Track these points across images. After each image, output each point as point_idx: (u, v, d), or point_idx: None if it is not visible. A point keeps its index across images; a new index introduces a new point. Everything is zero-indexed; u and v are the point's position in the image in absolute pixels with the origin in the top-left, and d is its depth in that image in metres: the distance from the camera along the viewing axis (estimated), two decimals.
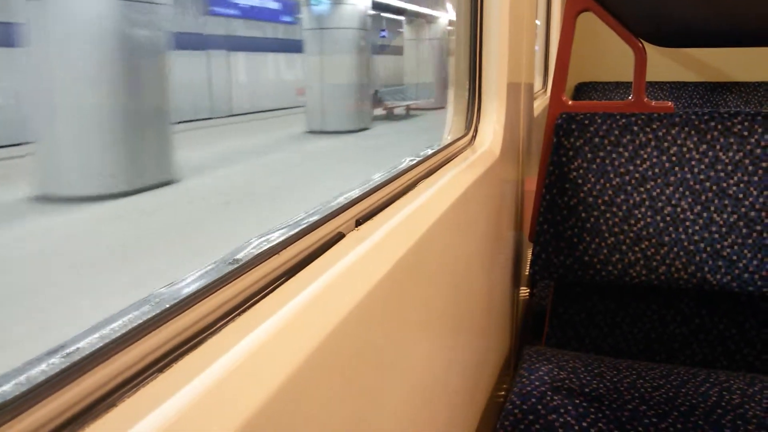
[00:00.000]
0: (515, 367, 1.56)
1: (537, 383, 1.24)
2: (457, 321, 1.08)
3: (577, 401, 1.19)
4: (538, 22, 3.79)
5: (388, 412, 0.72)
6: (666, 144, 1.53)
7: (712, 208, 1.49)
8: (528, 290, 2.12)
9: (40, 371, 0.38)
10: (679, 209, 1.51)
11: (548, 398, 1.19)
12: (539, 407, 1.17)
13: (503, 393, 1.61)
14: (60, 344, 0.41)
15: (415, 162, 1.09)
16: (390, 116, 16.32)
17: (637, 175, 1.53)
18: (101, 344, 0.42)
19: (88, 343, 0.42)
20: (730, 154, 1.49)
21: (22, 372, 0.38)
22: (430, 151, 1.20)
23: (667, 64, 3.51)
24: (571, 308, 1.68)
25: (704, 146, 1.51)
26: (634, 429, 1.12)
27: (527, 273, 1.98)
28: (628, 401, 1.19)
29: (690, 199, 1.50)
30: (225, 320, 0.52)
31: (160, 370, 0.44)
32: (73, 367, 0.39)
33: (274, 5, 18.08)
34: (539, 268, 1.59)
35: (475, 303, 1.23)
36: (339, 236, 0.74)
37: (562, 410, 1.16)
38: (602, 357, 1.41)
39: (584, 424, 1.13)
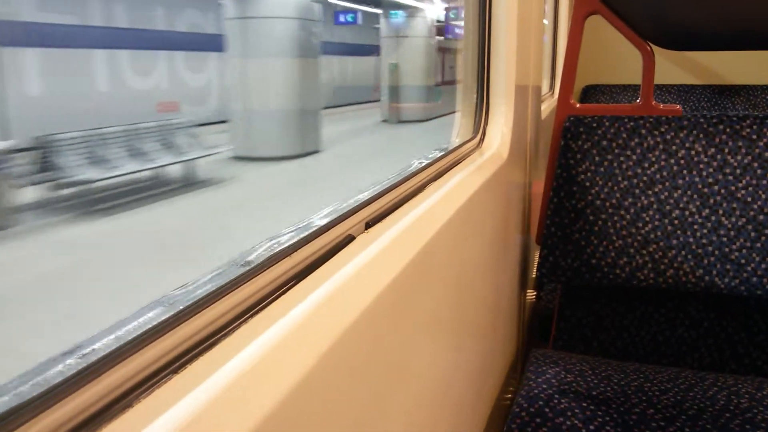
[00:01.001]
0: (522, 369, 1.56)
1: (544, 386, 1.24)
2: (464, 323, 1.08)
3: (585, 404, 1.19)
4: (546, 21, 3.79)
5: (396, 413, 0.72)
6: (674, 147, 1.52)
7: (721, 212, 1.48)
8: (535, 293, 2.12)
9: (58, 372, 0.39)
10: (687, 213, 1.50)
11: (555, 401, 1.19)
12: (546, 410, 1.17)
13: (510, 396, 1.61)
14: (76, 345, 0.42)
15: (423, 165, 1.09)
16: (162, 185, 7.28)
17: (645, 179, 1.53)
18: (117, 345, 0.42)
19: (104, 345, 0.42)
20: (739, 157, 1.48)
21: (39, 373, 0.39)
22: (438, 154, 1.21)
23: (676, 68, 3.49)
24: (578, 311, 1.68)
25: (713, 149, 1.50)
26: None
27: (534, 276, 1.98)
28: (636, 404, 1.19)
29: (698, 203, 1.50)
30: (238, 322, 0.52)
31: (175, 372, 0.45)
32: (89, 368, 0.40)
33: None
34: (546, 270, 1.59)
35: (482, 305, 1.24)
36: (349, 239, 0.74)
37: (569, 413, 1.16)
38: (609, 360, 1.40)
39: (591, 427, 1.13)
